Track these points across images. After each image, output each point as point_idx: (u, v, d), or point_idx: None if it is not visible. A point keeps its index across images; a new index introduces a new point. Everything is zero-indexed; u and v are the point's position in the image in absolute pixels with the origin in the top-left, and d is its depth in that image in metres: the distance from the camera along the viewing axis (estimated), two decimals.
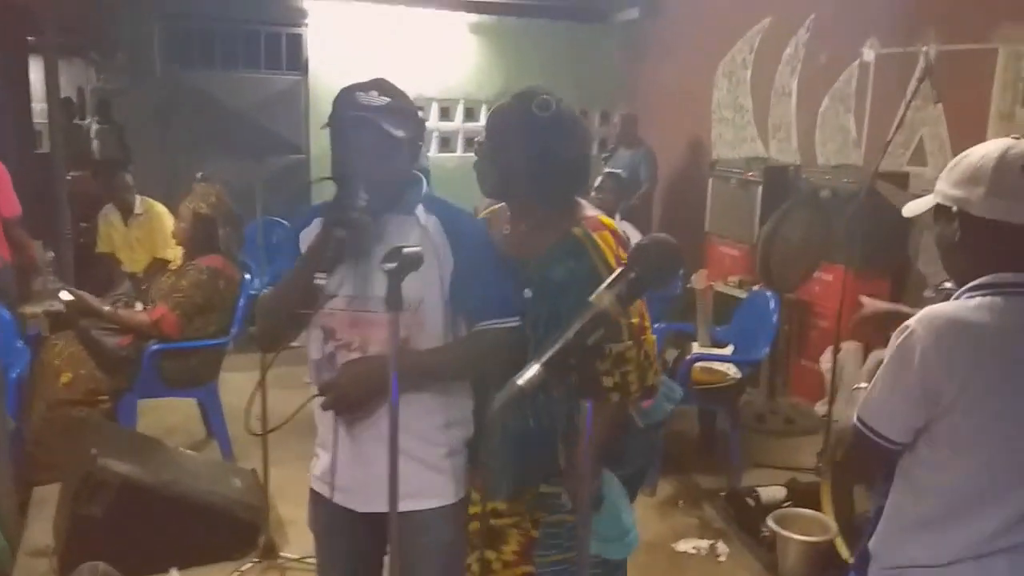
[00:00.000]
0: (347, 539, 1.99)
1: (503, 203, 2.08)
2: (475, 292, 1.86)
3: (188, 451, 3.77)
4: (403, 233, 1.82)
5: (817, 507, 3.28)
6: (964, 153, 1.54)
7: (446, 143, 7.47)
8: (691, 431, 4.44)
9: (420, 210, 1.89)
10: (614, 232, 1.92)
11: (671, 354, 4.45)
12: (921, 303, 2.66)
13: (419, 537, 1.88)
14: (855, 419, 1.52)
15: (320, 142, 4.23)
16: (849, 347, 4.67)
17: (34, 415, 3.66)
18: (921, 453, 1.49)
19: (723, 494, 3.84)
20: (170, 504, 3.12)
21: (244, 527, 3.25)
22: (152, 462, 3.27)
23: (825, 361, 4.64)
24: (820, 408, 4.75)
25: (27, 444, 3.63)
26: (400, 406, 1.61)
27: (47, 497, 3.41)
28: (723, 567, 3.38)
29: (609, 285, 1.23)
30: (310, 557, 3.12)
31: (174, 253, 4.68)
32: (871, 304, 2.21)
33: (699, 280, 4.33)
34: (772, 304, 4.25)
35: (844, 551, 3.09)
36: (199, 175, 4.45)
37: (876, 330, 2.14)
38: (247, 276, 4.22)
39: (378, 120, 1.78)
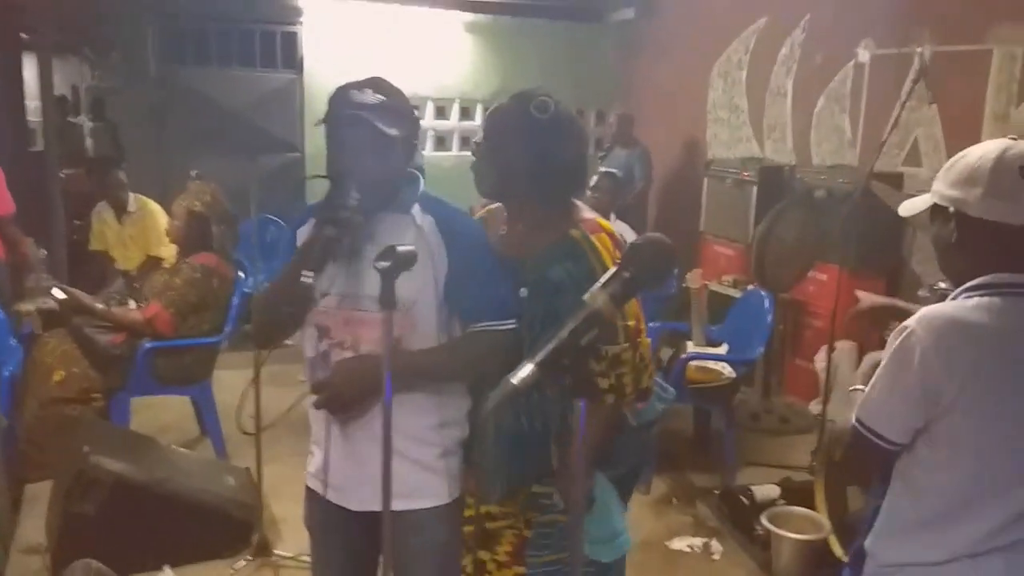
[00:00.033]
0: (341, 537, 1.99)
1: (499, 203, 2.08)
2: (470, 293, 1.85)
3: (181, 449, 3.76)
4: (398, 232, 1.81)
5: (811, 506, 3.28)
6: (961, 153, 1.53)
7: (441, 142, 7.46)
8: (686, 430, 4.45)
9: (416, 209, 1.88)
10: (611, 235, 1.93)
11: (666, 353, 4.45)
12: (916, 303, 2.68)
13: (412, 537, 1.89)
14: (853, 420, 1.51)
15: (315, 140, 4.25)
16: (843, 346, 4.70)
17: (27, 413, 3.65)
18: (919, 453, 1.48)
19: (717, 492, 3.84)
20: (163, 502, 3.11)
21: (238, 525, 3.24)
22: (145, 460, 3.26)
23: (819, 360, 4.65)
24: (814, 407, 4.76)
25: (20, 442, 3.62)
26: (393, 406, 1.61)
27: (40, 495, 3.40)
28: (717, 565, 3.39)
29: (603, 285, 1.23)
30: (304, 555, 3.12)
31: (168, 251, 4.66)
32: (867, 298, 2.20)
33: (694, 279, 4.33)
34: (767, 303, 4.26)
35: (837, 549, 3.09)
36: (193, 173, 4.44)
37: (872, 324, 2.14)
38: (241, 274, 4.21)
39: (371, 118, 1.77)
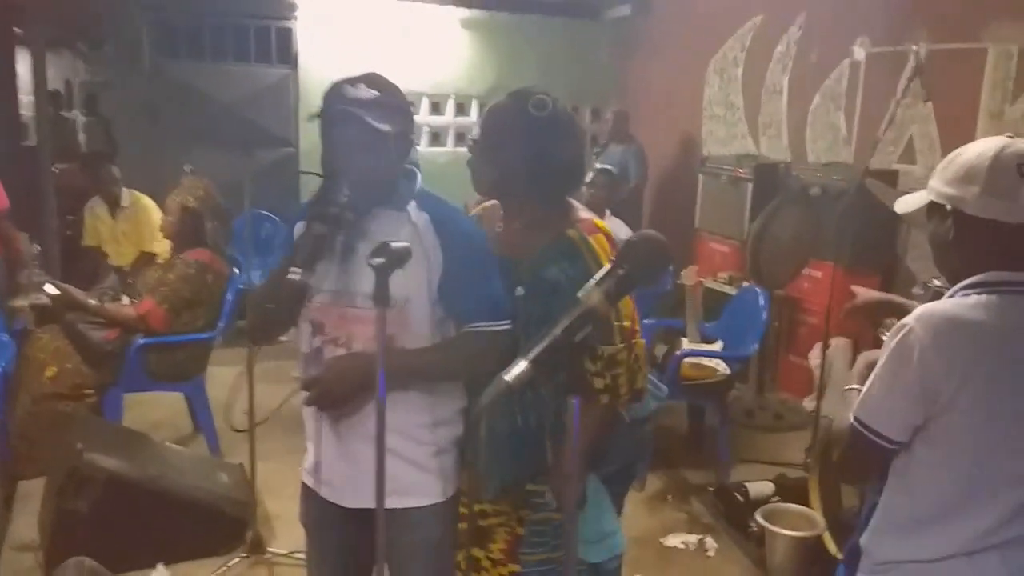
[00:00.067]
0: (337, 534, 1.99)
1: (495, 201, 2.08)
2: (464, 293, 1.84)
3: (175, 446, 3.75)
4: (393, 229, 1.80)
5: (805, 502, 3.29)
6: (958, 151, 1.53)
7: (436, 138, 7.45)
8: (680, 427, 4.45)
9: (412, 206, 1.87)
10: (607, 235, 1.93)
11: (661, 350, 4.46)
12: (910, 300, 2.68)
13: (406, 535, 1.88)
14: (852, 419, 1.50)
15: (309, 136, 4.21)
16: (838, 343, 4.70)
17: (19, 409, 3.63)
18: (916, 451, 1.48)
19: (712, 489, 3.85)
20: (156, 499, 3.10)
21: (231, 522, 3.23)
22: (138, 457, 3.25)
23: (814, 357, 4.63)
24: (808, 404, 4.76)
25: (12, 438, 3.60)
26: (380, 409, 1.60)
27: (32, 492, 3.39)
28: (712, 562, 3.39)
29: (598, 282, 1.23)
30: (298, 552, 3.12)
31: (161, 247, 4.65)
32: (864, 293, 2.20)
33: (689, 276, 4.33)
34: (761, 300, 4.26)
35: (832, 546, 3.10)
36: (187, 168, 4.43)
37: (868, 319, 2.13)
38: (235, 270, 4.19)
39: (361, 114, 1.75)
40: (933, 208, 1.54)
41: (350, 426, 1.87)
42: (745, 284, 4.70)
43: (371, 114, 1.76)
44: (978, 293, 1.45)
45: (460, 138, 7.36)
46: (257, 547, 3.21)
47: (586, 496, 1.95)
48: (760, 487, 3.63)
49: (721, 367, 4.14)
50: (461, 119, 7.44)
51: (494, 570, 2.05)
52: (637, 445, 2.14)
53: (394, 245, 1.54)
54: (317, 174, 1.84)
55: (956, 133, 4.44)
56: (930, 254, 1.61)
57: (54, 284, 3.86)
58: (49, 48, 6.07)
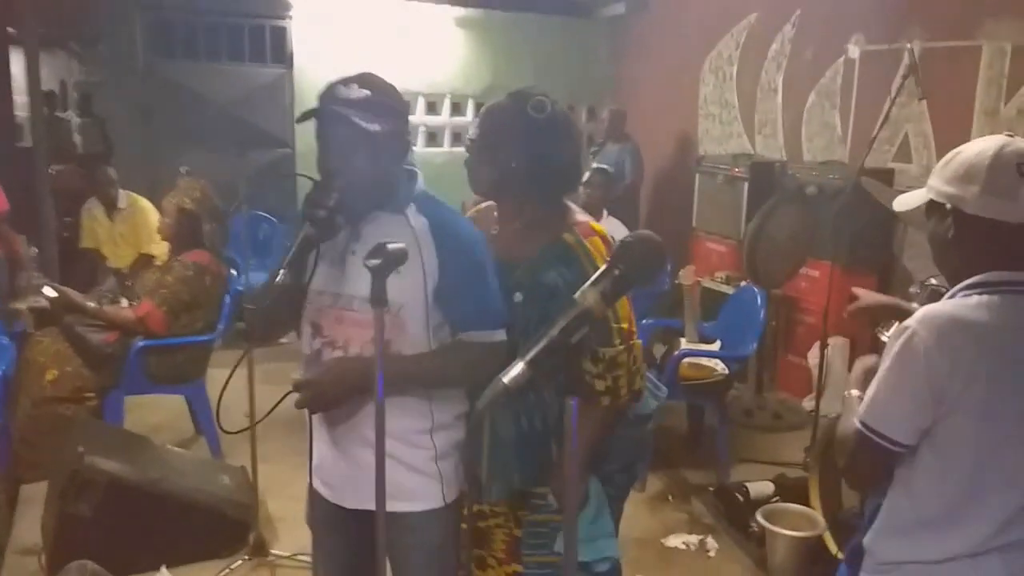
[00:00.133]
0: (339, 535, 2.00)
1: (491, 202, 2.08)
2: (460, 300, 1.83)
3: (176, 448, 3.75)
4: (390, 233, 1.77)
5: (805, 502, 3.30)
6: (957, 149, 1.52)
7: (432, 138, 7.44)
8: (679, 427, 4.46)
9: (411, 210, 1.86)
10: (604, 238, 1.93)
11: (659, 350, 4.47)
12: (907, 299, 2.69)
13: (406, 538, 1.89)
14: (858, 424, 1.49)
15: (305, 136, 4.21)
16: (836, 343, 4.76)
17: (20, 412, 3.62)
18: (920, 453, 1.48)
19: (712, 489, 3.86)
20: (158, 502, 3.10)
21: (233, 524, 3.23)
22: (140, 460, 3.25)
23: (812, 357, 4.69)
24: (807, 403, 4.80)
25: (13, 442, 3.59)
26: (379, 410, 1.60)
27: (35, 495, 3.38)
28: (712, 562, 3.40)
29: (594, 283, 1.23)
30: (300, 554, 3.13)
31: (159, 248, 4.64)
32: (866, 296, 2.20)
33: (686, 276, 4.34)
34: (759, 300, 4.27)
35: (832, 546, 3.11)
36: (183, 169, 4.42)
37: (870, 321, 2.14)
38: (233, 272, 4.19)
39: (349, 113, 1.74)
40: (932, 207, 1.53)
41: (348, 429, 1.87)
42: (743, 284, 4.71)
43: (359, 114, 1.74)
44: (979, 293, 1.45)
45: (456, 138, 7.34)
46: (259, 549, 3.21)
47: (588, 496, 1.96)
48: (760, 487, 3.64)
49: (719, 367, 4.14)
50: (457, 119, 7.43)
51: (500, 568, 2.07)
52: (638, 445, 2.15)
53: (390, 246, 1.53)
54: (310, 177, 1.84)
55: (951, 131, 4.47)
56: (927, 253, 1.60)
57: (52, 287, 3.84)
58: (43, 48, 6.02)
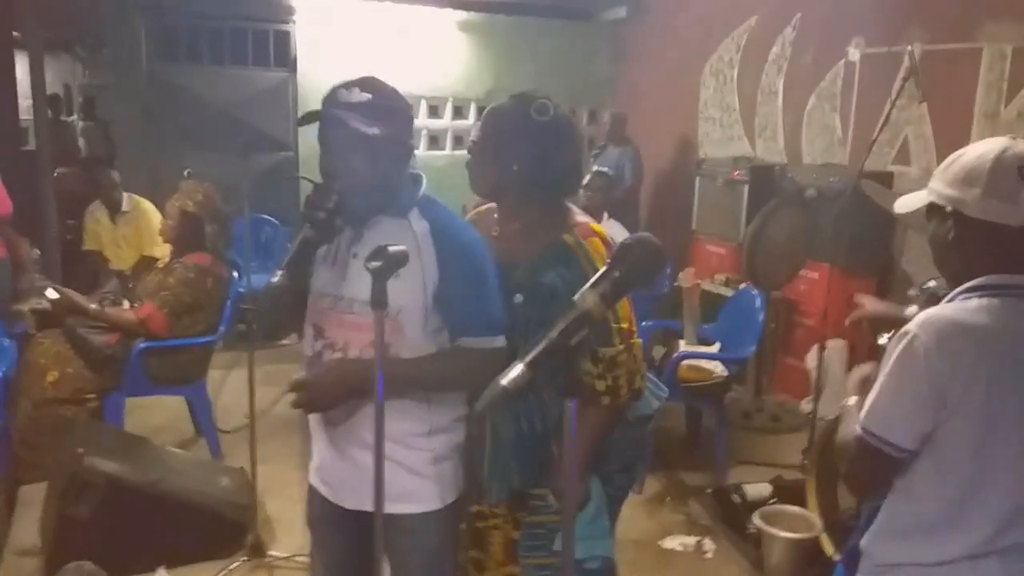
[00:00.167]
0: (338, 535, 2.01)
1: (491, 205, 2.09)
2: (459, 306, 1.83)
3: (176, 450, 3.76)
4: (392, 237, 1.77)
5: (802, 504, 3.31)
6: (959, 152, 1.52)
7: (435, 141, 7.45)
8: (678, 428, 4.46)
9: (414, 214, 1.86)
10: (604, 239, 1.94)
11: (658, 352, 4.48)
12: (906, 302, 2.69)
13: (404, 540, 1.90)
14: (858, 430, 1.48)
15: (308, 139, 4.22)
16: (834, 345, 4.75)
17: (20, 414, 3.64)
18: (920, 457, 1.47)
19: (709, 491, 3.86)
20: (157, 503, 3.11)
21: (232, 526, 3.24)
22: (139, 461, 3.26)
23: (811, 359, 4.68)
24: (805, 406, 4.79)
25: (13, 443, 3.61)
26: (378, 412, 1.61)
27: (35, 497, 3.39)
28: (709, 564, 3.40)
29: (593, 285, 1.23)
30: (299, 555, 3.14)
31: (162, 251, 4.65)
32: (870, 304, 2.19)
33: (686, 278, 4.35)
34: (758, 302, 4.27)
35: (829, 548, 3.11)
36: (186, 172, 4.43)
37: (872, 329, 2.13)
38: (235, 274, 4.21)
39: (348, 117, 1.74)
40: (933, 209, 1.53)
41: (346, 431, 1.88)
42: (742, 286, 4.71)
43: (359, 118, 1.75)
44: (979, 296, 1.45)
45: (458, 141, 7.36)
46: (258, 551, 3.22)
47: (589, 496, 1.97)
48: (758, 489, 3.64)
49: (718, 369, 4.15)
50: (459, 122, 7.44)
51: (497, 570, 2.08)
52: (638, 445, 2.15)
53: (391, 249, 1.54)
54: (311, 180, 1.85)
55: (951, 134, 4.47)
56: (926, 256, 1.60)
57: (55, 288, 3.86)
58: (47, 52, 6.07)
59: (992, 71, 4.38)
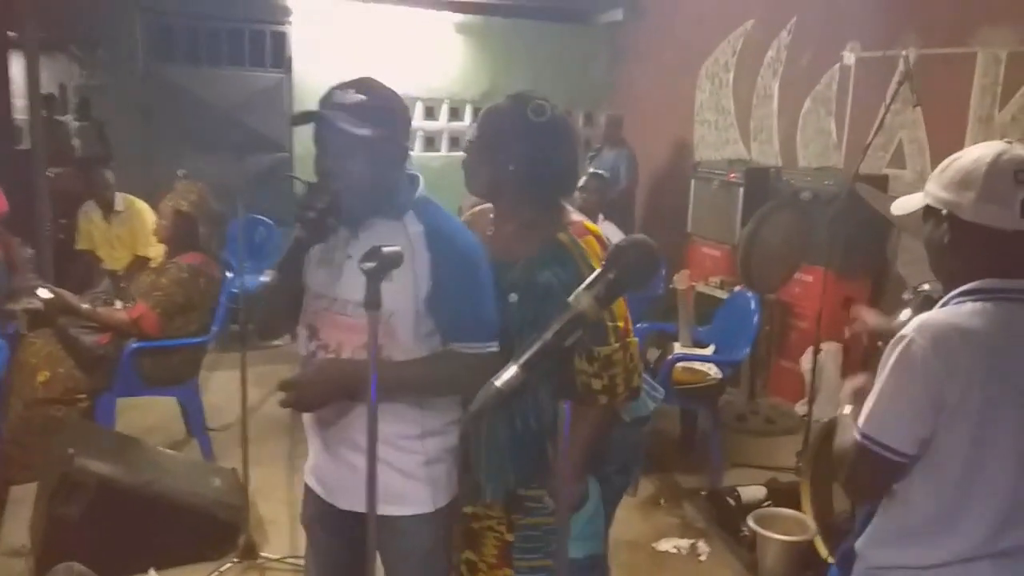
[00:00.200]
0: (333, 534, 2.00)
1: (486, 205, 2.08)
2: (451, 311, 1.82)
3: (167, 450, 3.74)
4: (386, 238, 1.74)
5: (797, 507, 3.30)
6: (956, 155, 1.52)
7: (431, 142, 7.45)
8: (672, 431, 4.46)
9: (410, 216, 1.85)
10: (599, 238, 1.93)
11: (653, 354, 4.46)
12: (900, 305, 2.69)
13: (396, 542, 1.89)
14: (857, 436, 1.47)
15: (303, 140, 4.22)
16: (829, 348, 4.75)
17: (11, 414, 3.62)
18: (917, 463, 1.47)
19: (704, 493, 3.85)
20: (149, 504, 3.09)
21: (224, 527, 3.23)
22: (131, 462, 3.24)
23: (805, 362, 4.68)
24: (800, 408, 4.80)
25: (4, 443, 3.59)
26: (371, 413, 1.60)
27: (25, 497, 3.37)
28: (704, 566, 3.40)
29: (587, 286, 1.23)
30: (290, 557, 3.13)
31: (155, 251, 4.64)
32: (872, 318, 2.19)
33: (681, 280, 4.35)
34: (753, 305, 4.27)
35: (823, 550, 3.11)
36: (181, 172, 4.42)
37: (870, 341, 2.12)
38: (229, 274, 4.19)
39: (339, 118, 1.73)
40: (929, 212, 1.53)
41: (338, 432, 1.88)
42: (737, 289, 4.71)
43: (350, 119, 1.73)
44: (973, 300, 1.45)
45: (454, 143, 7.36)
46: (250, 552, 3.20)
47: (587, 496, 1.96)
48: (752, 491, 3.63)
49: (713, 371, 4.15)
50: (455, 124, 7.44)
51: (490, 573, 2.07)
52: (634, 446, 2.15)
53: (385, 249, 1.54)
54: (300, 179, 1.85)
55: (945, 138, 4.48)
56: (920, 259, 1.60)
57: (47, 288, 3.84)
58: (43, 51, 6.05)
59: (986, 75, 4.39)
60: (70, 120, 7.93)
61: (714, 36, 6.43)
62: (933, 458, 1.45)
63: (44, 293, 3.78)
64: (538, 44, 7.43)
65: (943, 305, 1.50)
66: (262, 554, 3.22)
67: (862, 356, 4.83)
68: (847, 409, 1.61)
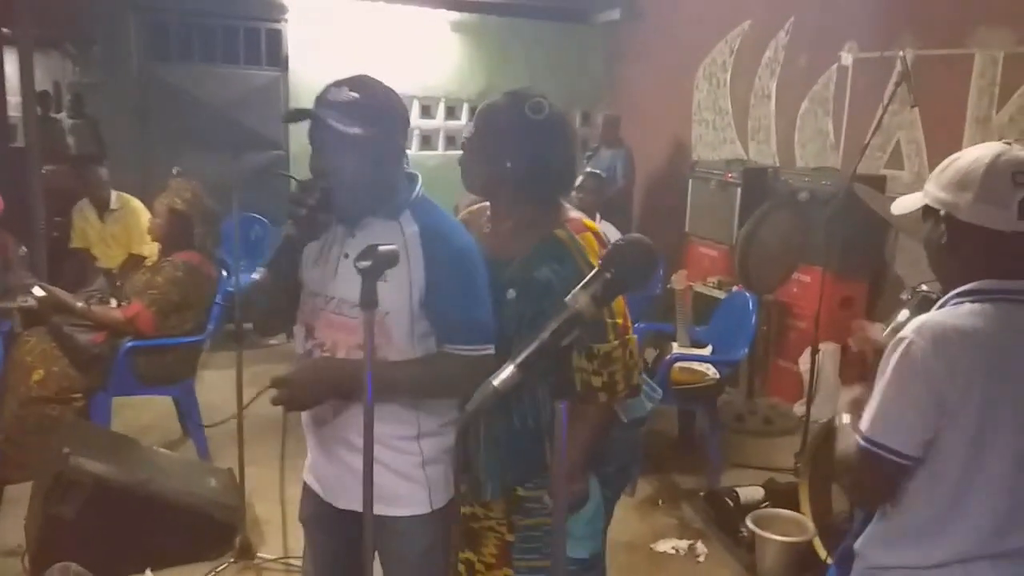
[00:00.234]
0: (330, 533, 2.00)
1: (483, 204, 2.07)
2: (445, 312, 1.81)
3: (163, 450, 3.73)
4: (381, 238, 1.73)
5: (795, 507, 3.30)
6: (955, 155, 1.52)
7: (427, 141, 7.43)
8: (670, 431, 4.46)
9: (406, 216, 1.84)
10: (596, 234, 1.92)
11: (651, 354, 4.46)
12: (898, 305, 2.69)
13: (392, 542, 1.89)
14: (861, 442, 1.46)
15: (299, 138, 4.19)
16: (827, 348, 4.76)
17: (6, 412, 3.59)
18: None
19: (702, 494, 3.85)
20: (144, 504, 3.08)
21: (220, 527, 3.22)
22: (126, 461, 3.22)
23: (803, 362, 4.68)
24: (798, 408, 4.80)
25: None
26: (367, 413, 1.59)
27: (20, 496, 3.35)
28: (702, 567, 3.39)
29: (584, 286, 1.22)
30: (287, 558, 3.12)
31: (150, 249, 4.62)
32: (877, 335, 2.19)
33: (679, 281, 4.34)
34: (751, 305, 4.27)
35: (822, 551, 3.11)
36: (175, 170, 4.40)
37: (874, 355, 2.12)
38: (224, 273, 4.17)
39: (331, 116, 1.72)
40: (928, 212, 1.53)
41: (334, 431, 1.87)
42: (734, 289, 4.71)
43: (339, 117, 1.72)
44: (971, 301, 1.45)
45: (450, 141, 7.34)
46: (246, 552, 3.19)
47: (589, 495, 1.95)
48: (750, 492, 3.63)
49: (711, 371, 4.14)
50: (451, 122, 7.42)
51: (488, 573, 2.06)
52: (632, 447, 2.15)
53: (381, 248, 1.53)
54: (294, 177, 1.84)
55: (943, 139, 4.49)
56: (918, 260, 1.61)
57: (41, 286, 3.82)
58: (37, 49, 6.00)
59: (984, 76, 4.40)
60: (64, 118, 7.90)
61: (712, 36, 6.43)
62: (932, 458, 1.45)
63: (38, 291, 3.76)
64: (535, 43, 7.42)
65: (941, 306, 1.50)
66: (258, 554, 3.21)
67: (861, 365, 4.84)
68: (846, 419, 1.61)
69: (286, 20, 6.86)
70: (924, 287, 2.77)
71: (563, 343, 1.19)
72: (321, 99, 1.77)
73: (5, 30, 5.78)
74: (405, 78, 6.71)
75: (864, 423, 1.47)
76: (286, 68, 6.87)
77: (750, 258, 4.53)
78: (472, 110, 7.10)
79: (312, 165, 1.82)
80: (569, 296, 1.22)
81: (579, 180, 4.83)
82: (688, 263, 5.64)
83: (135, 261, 5.01)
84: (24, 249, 4.66)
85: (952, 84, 4.48)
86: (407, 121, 1.90)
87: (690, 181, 5.91)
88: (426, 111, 7.38)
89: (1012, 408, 1.42)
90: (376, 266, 1.52)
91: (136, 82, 6.59)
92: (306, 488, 2.02)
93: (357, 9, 6.87)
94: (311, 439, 1.96)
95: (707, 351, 4.25)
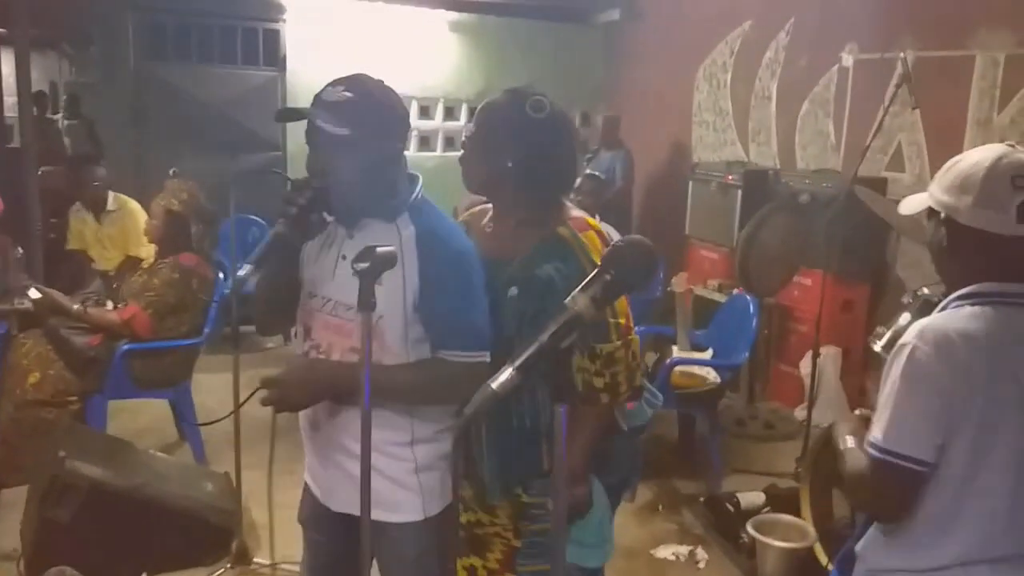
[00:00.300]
0: (328, 535, 1.99)
1: (484, 206, 2.06)
2: (439, 317, 1.79)
3: (159, 454, 3.70)
4: (378, 240, 1.71)
5: (796, 513, 3.28)
6: (958, 157, 1.53)
7: (425, 142, 7.41)
8: (670, 436, 4.44)
9: (404, 218, 1.82)
10: (600, 233, 1.91)
11: (651, 358, 4.44)
12: (899, 308, 2.67)
13: (387, 548, 1.88)
14: (876, 454, 1.44)
15: (296, 139, 4.16)
16: (828, 352, 4.73)
17: (1, 416, 3.57)
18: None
19: (702, 500, 3.83)
20: (140, 508, 3.05)
21: (217, 532, 3.19)
22: (122, 465, 3.20)
23: (804, 366, 4.66)
24: (799, 413, 4.78)
25: None
26: (360, 419, 1.58)
27: (16, 500, 3.32)
28: (702, 573, 3.37)
29: (584, 288, 1.22)
30: (284, 563, 3.10)
31: (147, 251, 4.60)
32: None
33: (679, 283, 4.32)
34: (751, 308, 4.24)
35: (823, 557, 3.09)
36: (172, 171, 4.38)
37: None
38: (221, 275, 4.15)
39: (323, 116, 1.71)
40: (931, 213, 1.54)
41: (328, 434, 1.87)
42: (735, 292, 4.70)
43: (328, 116, 1.71)
44: (971, 304, 1.45)
45: (449, 142, 7.32)
46: (242, 557, 3.17)
47: (592, 501, 1.93)
48: (751, 497, 3.61)
49: (711, 375, 4.12)
50: (450, 123, 7.40)
51: None
52: (633, 455, 2.13)
53: (379, 250, 1.52)
54: (287, 176, 1.83)
55: (944, 141, 4.47)
56: (919, 263, 1.62)
57: (37, 288, 3.80)
58: (34, 49, 5.99)
59: (985, 78, 4.38)
60: (60, 118, 7.88)
61: (712, 37, 6.42)
62: (939, 466, 1.44)
63: (34, 293, 3.73)
64: (534, 43, 7.40)
65: (941, 309, 1.50)
66: (255, 559, 3.19)
67: (861, 358, 4.82)
68: (850, 442, 1.59)
69: (284, 20, 6.84)
70: (925, 290, 2.77)
71: (562, 345, 1.18)
72: (317, 98, 1.77)
73: (1, 30, 5.76)
74: (403, 78, 6.66)
75: (876, 434, 1.46)
76: (284, 68, 6.85)
77: (751, 261, 4.51)
78: (471, 111, 7.09)
79: (309, 165, 1.81)
80: (568, 298, 1.21)
81: (577, 182, 4.82)
82: (688, 266, 5.62)
83: (132, 263, 4.98)
84: (20, 251, 4.64)
85: (953, 86, 4.46)
86: (406, 122, 1.87)
87: (690, 183, 5.90)
88: (424, 112, 7.36)
89: (1012, 411, 1.42)
90: (373, 268, 1.51)
91: (133, 82, 6.56)
92: (306, 489, 2.03)
93: (355, 9, 6.85)
94: (307, 443, 1.96)
95: (707, 355, 4.23)
